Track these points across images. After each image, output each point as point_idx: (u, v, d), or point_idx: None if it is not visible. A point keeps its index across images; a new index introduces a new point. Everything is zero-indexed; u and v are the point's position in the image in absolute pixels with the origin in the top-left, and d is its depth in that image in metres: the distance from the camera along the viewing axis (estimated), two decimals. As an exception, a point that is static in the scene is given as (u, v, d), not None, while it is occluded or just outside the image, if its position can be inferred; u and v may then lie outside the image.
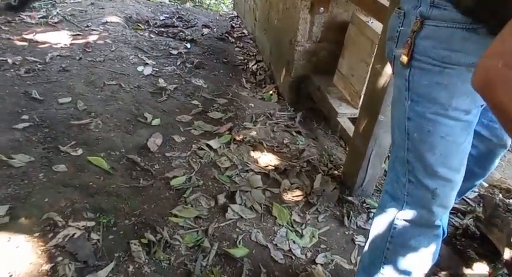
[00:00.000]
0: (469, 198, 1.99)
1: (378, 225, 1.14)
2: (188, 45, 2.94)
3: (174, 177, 1.78)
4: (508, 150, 2.73)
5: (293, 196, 1.79)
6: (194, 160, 1.91)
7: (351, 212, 1.75)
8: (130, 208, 1.57)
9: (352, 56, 2.14)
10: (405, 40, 0.89)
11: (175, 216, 1.60)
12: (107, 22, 3.14)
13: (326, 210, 1.76)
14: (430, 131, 0.91)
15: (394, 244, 1.09)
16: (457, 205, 1.95)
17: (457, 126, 0.90)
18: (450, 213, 1.87)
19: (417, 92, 0.91)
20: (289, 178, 1.89)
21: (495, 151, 1.22)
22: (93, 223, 1.46)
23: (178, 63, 2.68)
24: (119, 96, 2.24)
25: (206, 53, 2.93)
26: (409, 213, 1.03)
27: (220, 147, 2.02)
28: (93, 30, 2.99)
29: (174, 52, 2.79)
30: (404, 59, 0.90)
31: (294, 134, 2.20)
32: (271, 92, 2.57)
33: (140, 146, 1.91)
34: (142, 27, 3.19)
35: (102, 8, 3.39)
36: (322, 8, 2.18)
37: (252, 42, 3.25)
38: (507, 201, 1.69)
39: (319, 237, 1.62)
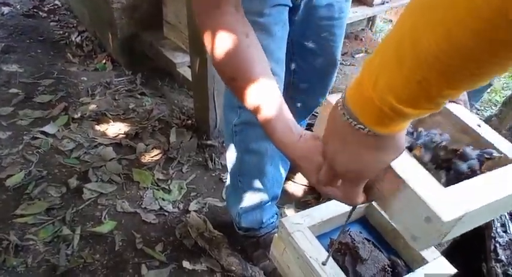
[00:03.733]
0: (316, 114, 2.19)
1: (227, 143, 1.17)
2: (-13, 30, 2.47)
3: (9, 176, 1.54)
4: (343, 63, 3.09)
5: (152, 157, 1.73)
6: (30, 152, 1.67)
7: (213, 154, 1.77)
8: (-42, 226, 1.32)
9: (174, 3, 2.07)
10: None
11: (22, 216, 1.40)
12: None
13: (188, 160, 1.74)
14: None
15: (240, 152, 1.13)
16: (310, 121, 2.14)
17: (256, 30, 0.92)
18: (309, 129, 2.07)
19: None
20: (144, 140, 1.80)
21: (329, 69, 1.30)
22: None
23: (-22, 52, 2.25)
24: None
25: (14, 34, 2.50)
26: (244, 117, 1.07)
27: (58, 130, 1.80)
28: None
29: (-31, 40, 2.33)
30: None
31: (139, 96, 2.08)
32: (104, 61, 2.36)
33: (-48, 155, 1.58)
34: None
35: None
36: (125, -42, 2.02)
37: (69, 13, 2.89)
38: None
39: (187, 187, 1.61)
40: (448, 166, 0.59)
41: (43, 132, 1.77)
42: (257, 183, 1.18)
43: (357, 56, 3.25)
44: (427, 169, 0.53)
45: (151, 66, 2.23)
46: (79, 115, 1.89)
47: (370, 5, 2.72)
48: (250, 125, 1.07)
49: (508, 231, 1.11)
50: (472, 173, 0.60)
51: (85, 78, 2.19)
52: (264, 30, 0.92)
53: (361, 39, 3.46)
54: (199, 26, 0.72)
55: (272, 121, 0.61)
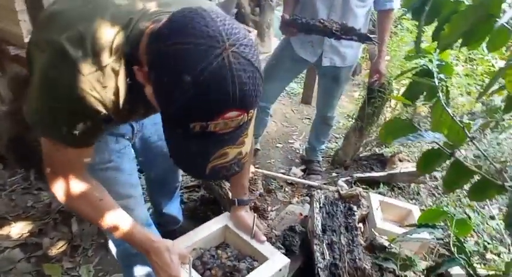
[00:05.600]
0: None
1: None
2: None
3: None
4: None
5: (58, 249, 1.96)
6: None
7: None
8: None
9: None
10: None
11: None
12: None
13: (92, 243, 2.02)
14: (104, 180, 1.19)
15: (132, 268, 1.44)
16: (194, 183, 2.53)
17: (108, 173, 1.22)
18: (188, 191, 2.46)
19: None
20: (48, 235, 2.03)
21: (174, 165, 1.68)
22: None
23: None
24: None
25: None
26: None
27: (-41, 244, 1.93)
28: None
29: None
30: None
31: (35, 192, 2.28)
32: (-8, 160, 2.49)
33: None
34: None
35: None
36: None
37: None
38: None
39: (94, 269, 1.89)
40: None
41: None
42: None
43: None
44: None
45: (42, 158, 2.42)
46: (-22, 224, 2.04)
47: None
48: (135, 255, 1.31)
49: (325, 257, 1.63)
50: None
51: (-25, 184, 2.31)
52: (115, 169, 1.24)
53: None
54: (50, 181, 1.02)
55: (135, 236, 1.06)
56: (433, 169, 1.19)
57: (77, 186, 1.02)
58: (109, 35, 0.85)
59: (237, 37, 0.72)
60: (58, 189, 1.02)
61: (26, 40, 1.80)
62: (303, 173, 2.76)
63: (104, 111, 0.91)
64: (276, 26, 3.10)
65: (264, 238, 1.27)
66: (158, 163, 1.61)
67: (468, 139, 1.19)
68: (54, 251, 1.95)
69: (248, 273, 1.10)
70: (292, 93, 4.08)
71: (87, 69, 0.84)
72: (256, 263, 1.17)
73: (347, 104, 3.81)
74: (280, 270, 1.13)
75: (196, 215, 2.23)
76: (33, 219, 2.11)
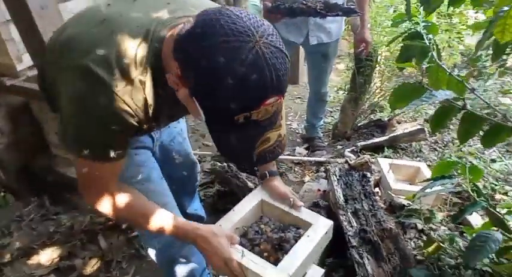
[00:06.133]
0: (207, 171, 2.63)
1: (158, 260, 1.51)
2: None
3: None
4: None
5: (92, 267, 2.00)
6: (-23, 312, 1.81)
7: (141, 242, 2.11)
8: None
9: (52, 124, 2.32)
10: None
11: None
12: None
13: (124, 255, 2.06)
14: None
15: (170, 263, 1.45)
16: (206, 180, 2.57)
17: (140, 186, 1.23)
18: (203, 188, 2.51)
19: None
20: (78, 256, 2.06)
21: (193, 166, 1.73)
22: None
23: None
24: None
25: None
26: (163, 240, 1.37)
27: (-8, 280, 1.95)
28: None
29: None
30: None
31: (54, 217, 2.30)
32: (2, 194, 2.48)
33: None
34: None
35: None
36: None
37: None
38: (223, 164, 2.36)
39: (132, 280, 1.94)
40: (281, 248, 1.12)
41: (-20, 289, 1.91)
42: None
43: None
44: (269, 252, 1.04)
45: (53, 183, 2.44)
46: (7, 258, 2.05)
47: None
48: (171, 244, 1.35)
49: (352, 225, 1.71)
50: (291, 247, 1.13)
51: (-9, 220, 2.31)
52: (145, 181, 1.28)
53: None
54: (90, 200, 1.05)
55: (180, 228, 1.09)
56: (445, 126, 1.27)
57: (119, 197, 1.06)
58: (131, 49, 0.89)
59: (264, 28, 0.77)
60: (103, 205, 1.05)
61: (19, 68, 1.79)
62: (307, 151, 2.83)
63: (136, 124, 0.95)
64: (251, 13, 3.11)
65: (301, 203, 1.29)
66: (177, 165, 1.65)
67: (468, 90, 1.28)
68: (88, 270, 1.98)
69: (296, 241, 1.14)
70: (277, 76, 4.10)
71: (118, 86, 0.88)
72: (302, 231, 1.20)
73: (334, 77, 3.87)
74: (326, 233, 1.17)
75: (217, 210, 2.29)
76: (59, 244, 2.13)
